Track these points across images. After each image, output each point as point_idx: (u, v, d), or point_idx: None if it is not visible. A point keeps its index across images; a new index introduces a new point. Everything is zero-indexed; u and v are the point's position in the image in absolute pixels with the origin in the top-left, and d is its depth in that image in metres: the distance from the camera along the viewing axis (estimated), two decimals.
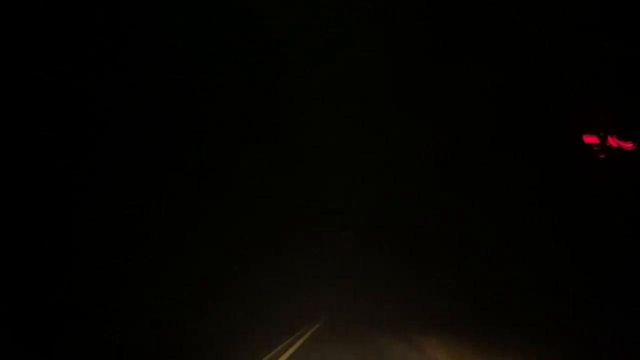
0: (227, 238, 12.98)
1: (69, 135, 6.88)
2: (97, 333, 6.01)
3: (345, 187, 22.59)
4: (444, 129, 14.27)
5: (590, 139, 7.33)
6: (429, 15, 11.25)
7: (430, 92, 13.65)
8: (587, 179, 8.82)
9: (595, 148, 7.30)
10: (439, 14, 11.06)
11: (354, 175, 21.24)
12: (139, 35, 8.17)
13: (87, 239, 7.08)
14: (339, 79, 13.93)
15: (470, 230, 14.41)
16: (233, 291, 12.24)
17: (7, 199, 5.81)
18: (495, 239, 12.63)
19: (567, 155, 9.02)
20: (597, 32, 7.60)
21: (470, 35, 10.84)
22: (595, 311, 7.98)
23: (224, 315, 10.26)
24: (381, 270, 24.64)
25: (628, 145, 6.99)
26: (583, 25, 7.95)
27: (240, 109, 12.83)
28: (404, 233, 20.16)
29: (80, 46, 6.78)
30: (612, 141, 7.11)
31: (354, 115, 16.21)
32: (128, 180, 8.28)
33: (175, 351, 6.61)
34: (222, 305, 10.80)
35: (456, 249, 15.41)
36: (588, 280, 8.83)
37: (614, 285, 7.95)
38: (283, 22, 10.67)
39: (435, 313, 14.52)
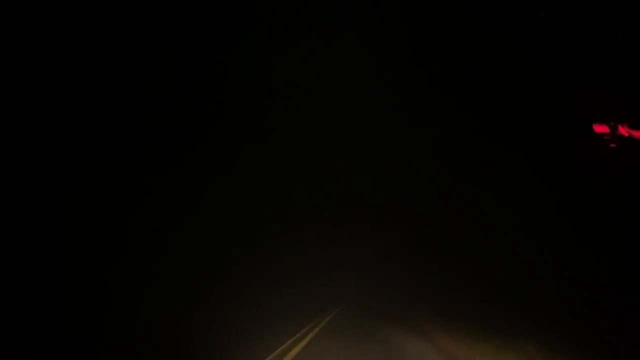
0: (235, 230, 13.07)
1: (58, 132, 6.90)
2: (91, 333, 6.02)
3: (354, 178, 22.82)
4: (453, 118, 14.24)
5: (600, 129, 7.29)
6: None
7: (439, 74, 13.60)
8: (598, 168, 8.77)
9: (605, 137, 7.27)
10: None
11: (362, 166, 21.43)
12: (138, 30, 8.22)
13: (76, 238, 7.10)
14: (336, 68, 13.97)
15: (478, 220, 14.38)
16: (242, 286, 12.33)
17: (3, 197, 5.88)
18: (505, 229, 12.60)
19: (578, 145, 8.97)
20: (608, 20, 7.52)
21: (480, 19, 10.77)
22: (608, 302, 7.96)
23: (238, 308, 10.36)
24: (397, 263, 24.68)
25: (639, 134, 6.94)
26: (594, 13, 7.86)
27: (242, 105, 12.88)
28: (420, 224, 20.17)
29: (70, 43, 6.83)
30: (623, 130, 7.07)
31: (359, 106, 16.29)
32: (122, 176, 8.29)
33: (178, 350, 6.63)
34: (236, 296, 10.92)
35: (464, 239, 15.40)
36: (599, 270, 8.81)
37: (625, 275, 7.93)
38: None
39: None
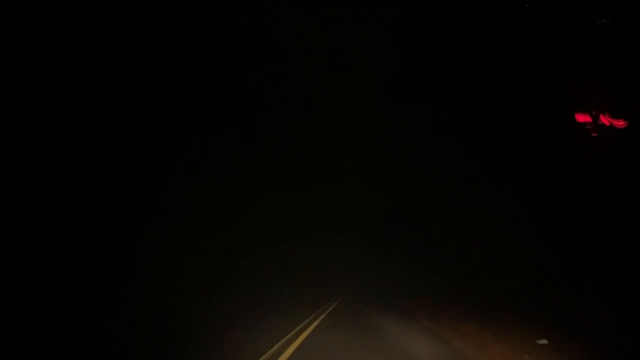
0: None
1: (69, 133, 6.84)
2: (97, 327, 6.01)
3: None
4: (440, 109, 14.33)
5: (582, 118, 7.37)
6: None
7: (424, 70, 13.66)
8: (580, 156, 8.89)
9: (587, 126, 7.35)
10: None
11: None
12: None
13: (86, 234, 7.09)
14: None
15: (465, 208, 14.52)
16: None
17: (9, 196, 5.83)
18: (490, 217, 12.77)
19: (560, 134, 9.07)
20: (589, 11, 7.57)
21: (471, 11, 10.80)
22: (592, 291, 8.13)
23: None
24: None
25: (620, 123, 7.03)
26: (576, 3, 7.92)
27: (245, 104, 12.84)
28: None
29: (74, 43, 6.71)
30: (604, 119, 7.15)
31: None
32: (128, 174, 8.25)
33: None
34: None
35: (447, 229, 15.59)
36: (580, 256, 8.98)
37: (606, 260, 8.10)
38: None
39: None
